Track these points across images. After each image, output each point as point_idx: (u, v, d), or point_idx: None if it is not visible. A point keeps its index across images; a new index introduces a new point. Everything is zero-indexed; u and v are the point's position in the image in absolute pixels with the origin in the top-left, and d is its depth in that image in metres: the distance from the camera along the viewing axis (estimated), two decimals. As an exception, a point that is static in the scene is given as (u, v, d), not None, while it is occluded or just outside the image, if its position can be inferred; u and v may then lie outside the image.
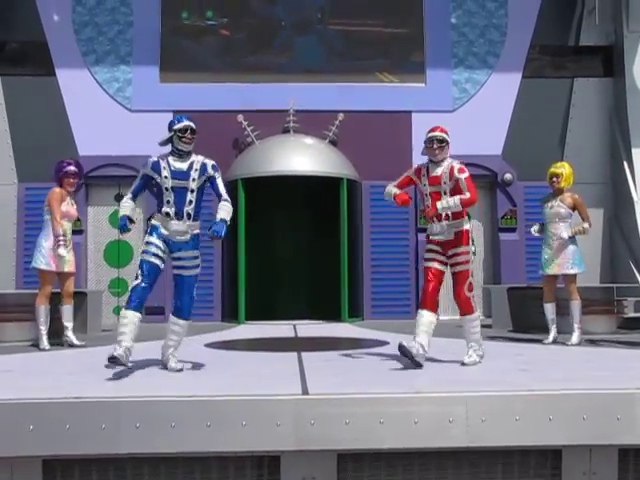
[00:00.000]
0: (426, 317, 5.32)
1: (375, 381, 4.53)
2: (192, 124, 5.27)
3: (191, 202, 5.11)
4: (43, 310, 6.95)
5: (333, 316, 10.88)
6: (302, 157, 11.15)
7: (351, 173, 11.31)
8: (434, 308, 5.35)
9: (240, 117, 11.44)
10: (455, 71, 12.02)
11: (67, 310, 7.13)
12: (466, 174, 5.37)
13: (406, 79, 11.98)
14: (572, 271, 7.08)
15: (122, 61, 11.74)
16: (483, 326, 9.56)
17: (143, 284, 5.10)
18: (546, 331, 7.25)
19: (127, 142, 11.23)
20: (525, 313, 8.83)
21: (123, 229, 5.18)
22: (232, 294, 11.04)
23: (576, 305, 7.06)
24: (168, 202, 5.12)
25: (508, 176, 11.70)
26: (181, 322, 5.25)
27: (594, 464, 3.85)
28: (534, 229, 7.42)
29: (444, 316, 11.62)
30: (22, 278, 10.83)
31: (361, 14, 12.15)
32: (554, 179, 7.25)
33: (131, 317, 5.01)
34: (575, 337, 6.96)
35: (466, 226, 5.37)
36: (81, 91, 11.51)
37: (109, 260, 11.70)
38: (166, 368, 5.15)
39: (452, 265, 5.37)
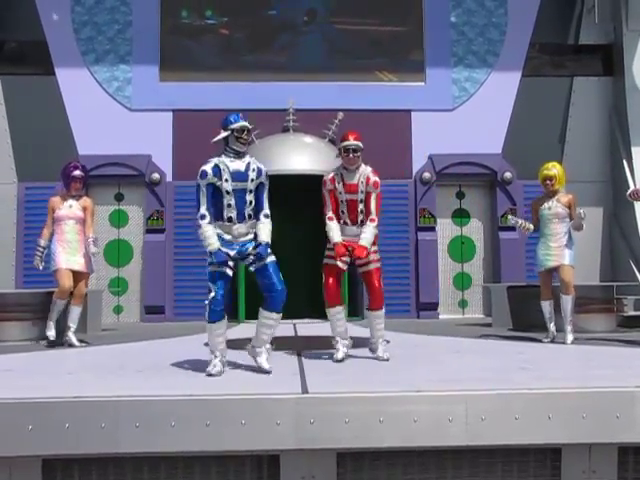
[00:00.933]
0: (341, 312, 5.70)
1: (374, 380, 4.53)
2: (247, 124, 5.10)
3: (251, 203, 5.04)
4: (58, 304, 7.13)
5: (333, 315, 10.86)
6: (301, 156, 11.14)
7: (351, 172, 11.29)
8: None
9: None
10: (455, 70, 12.01)
11: (74, 311, 7.19)
12: (379, 190, 5.63)
13: (406, 78, 11.97)
14: (566, 262, 7.04)
15: (121, 60, 11.73)
16: (484, 325, 9.60)
17: (219, 295, 4.98)
18: (546, 329, 7.24)
19: (127, 141, 11.23)
20: (525, 312, 8.82)
21: (223, 264, 4.95)
22: (232, 293, 11.03)
23: (570, 299, 7.00)
24: (229, 205, 4.96)
25: (508, 175, 11.69)
26: (274, 315, 5.08)
27: (594, 462, 3.85)
28: (511, 218, 7.53)
29: (444, 315, 11.67)
30: (22, 278, 10.83)
31: (360, 13, 12.14)
32: (547, 182, 7.22)
33: (223, 327, 5.07)
34: (570, 336, 6.93)
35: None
36: (81, 90, 11.51)
37: (109, 259, 11.70)
38: (256, 363, 5.07)
39: (365, 264, 5.68)
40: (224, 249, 4.91)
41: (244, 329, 9.43)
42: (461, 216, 12.17)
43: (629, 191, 6.93)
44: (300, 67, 11.80)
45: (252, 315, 10.70)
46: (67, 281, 7.06)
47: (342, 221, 5.68)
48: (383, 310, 5.68)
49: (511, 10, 12.06)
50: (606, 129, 12.02)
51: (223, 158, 5.02)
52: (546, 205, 7.22)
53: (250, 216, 5.05)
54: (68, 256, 7.10)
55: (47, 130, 11.27)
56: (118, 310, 11.62)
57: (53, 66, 11.53)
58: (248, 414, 3.70)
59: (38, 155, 11.10)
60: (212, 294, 4.96)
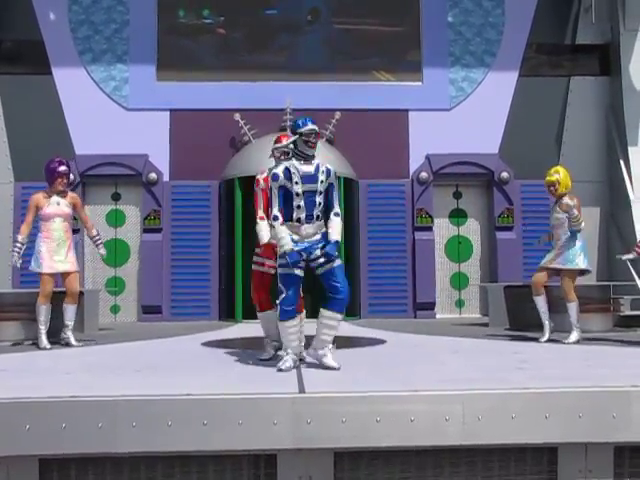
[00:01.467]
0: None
1: (372, 379, 4.54)
2: (316, 127, 5.16)
3: (320, 204, 5.08)
4: (43, 310, 6.94)
5: (330, 315, 10.87)
6: (299, 156, 11.13)
7: (348, 172, 11.31)
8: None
9: (237, 116, 11.44)
10: (452, 70, 12.02)
11: (70, 310, 7.11)
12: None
13: (403, 78, 11.98)
14: (566, 266, 7.05)
15: (119, 60, 11.73)
16: (480, 324, 9.62)
17: (290, 294, 5.12)
18: (542, 329, 7.25)
19: (124, 141, 11.23)
20: (522, 311, 8.83)
21: (296, 264, 5.01)
22: (229, 293, 11.04)
23: (573, 307, 7.03)
24: (299, 207, 5.01)
25: (505, 175, 11.71)
26: (339, 316, 5.12)
27: (590, 461, 3.86)
28: (538, 241, 7.66)
29: (441, 315, 11.68)
30: (19, 277, 10.80)
31: (358, 13, 12.15)
32: (551, 188, 7.23)
33: (296, 325, 5.18)
34: (574, 336, 6.95)
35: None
36: (78, 90, 11.50)
37: (106, 259, 11.65)
38: (322, 364, 5.04)
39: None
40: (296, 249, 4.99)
41: (241, 329, 9.45)
42: (458, 216, 12.18)
43: None
44: (297, 67, 11.81)
45: (249, 315, 10.76)
46: (50, 287, 6.97)
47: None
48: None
49: (508, 10, 12.08)
50: (603, 129, 12.04)
51: (293, 161, 5.08)
52: (552, 211, 7.32)
53: (318, 217, 5.10)
54: (54, 257, 6.91)
55: (44, 130, 11.26)
56: (115, 310, 11.62)
57: (50, 65, 11.52)
58: (245, 414, 3.70)
59: (35, 155, 11.06)
60: (283, 295, 5.07)
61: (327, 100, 11.50)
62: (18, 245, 7.06)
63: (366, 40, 12.07)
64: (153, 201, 11.46)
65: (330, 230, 5.11)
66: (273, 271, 5.45)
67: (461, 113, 11.85)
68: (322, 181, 5.05)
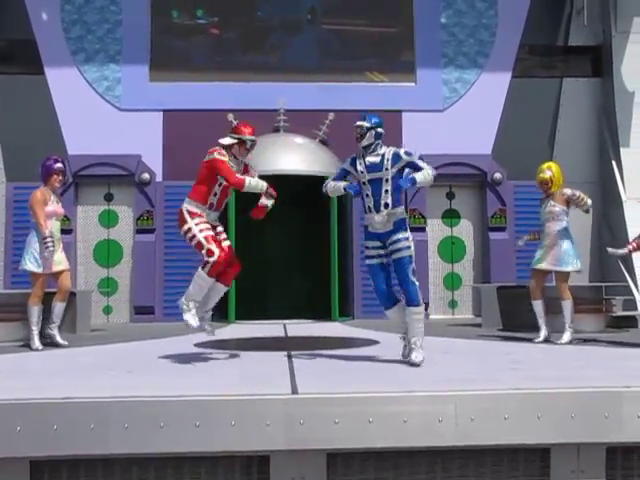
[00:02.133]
0: None
1: (364, 380, 4.54)
2: (360, 123, 5.62)
3: (387, 192, 5.35)
4: (35, 310, 6.91)
5: (323, 315, 10.88)
6: (292, 156, 11.14)
7: (341, 172, 11.29)
8: None
9: (230, 116, 11.40)
10: (445, 71, 12.04)
11: (58, 307, 7.09)
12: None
13: (396, 78, 11.99)
14: (561, 268, 7.08)
15: (111, 60, 11.68)
16: (473, 325, 9.63)
17: (380, 286, 5.42)
18: (536, 329, 7.27)
19: (116, 141, 11.19)
20: (515, 312, 8.86)
21: (357, 192, 5.48)
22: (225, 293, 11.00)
23: (567, 305, 7.06)
24: (367, 195, 5.41)
25: (498, 175, 11.73)
26: (417, 309, 5.30)
27: (582, 462, 3.87)
28: (521, 240, 7.59)
29: (434, 315, 11.69)
30: (10, 278, 10.76)
31: (351, 14, 12.14)
32: (544, 185, 7.25)
33: (394, 314, 5.41)
34: (566, 336, 6.98)
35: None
36: (70, 90, 11.45)
37: (98, 259, 11.65)
38: (408, 361, 5.25)
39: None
40: (369, 241, 5.44)
41: (234, 329, 9.44)
42: (451, 217, 12.20)
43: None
44: (291, 67, 11.80)
45: (242, 316, 10.75)
46: (43, 287, 6.97)
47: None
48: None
49: (501, 11, 12.10)
50: (595, 130, 12.08)
51: (363, 153, 5.53)
52: (543, 205, 7.32)
53: (387, 205, 5.34)
54: (54, 258, 6.89)
55: (36, 130, 11.20)
56: (108, 310, 11.58)
57: (42, 65, 11.46)
58: (238, 415, 3.69)
59: (27, 155, 11.01)
60: (373, 287, 5.47)
61: (320, 101, 11.49)
62: (49, 239, 6.75)
63: (359, 41, 12.07)
64: (146, 202, 11.42)
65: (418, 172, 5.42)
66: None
67: (454, 114, 11.86)
68: (387, 168, 5.37)
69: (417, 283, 5.31)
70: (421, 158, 5.92)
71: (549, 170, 7.30)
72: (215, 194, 5.71)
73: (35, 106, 11.34)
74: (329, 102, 11.52)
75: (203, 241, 5.49)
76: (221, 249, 5.55)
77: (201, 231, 5.54)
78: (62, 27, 11.61)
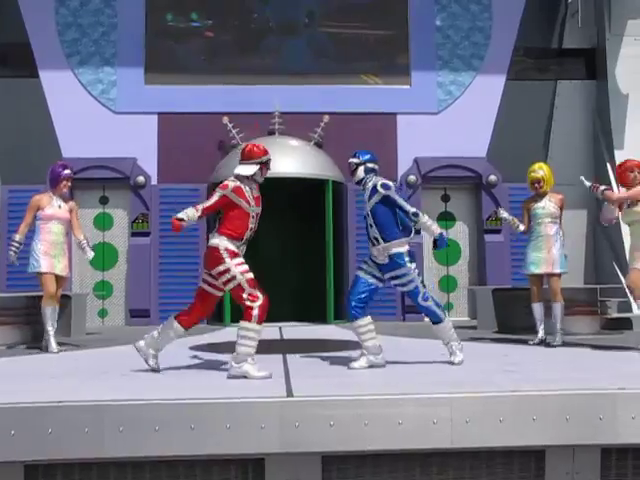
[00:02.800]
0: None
1: (359, 383, 4.54)
2: (351, 160, 5.73)
3: (371, 226, 5.49)
4: (49, 311, 6.91)
5: (319, 318, 10.87)
6: (287, 159, 11.12)
7: (336, 175, 11.31)
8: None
9: (225, 119, 11.42)
10: (440, 73, 12.06)
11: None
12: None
13: (391, 81, 12.00)
14: (559, 270, 7.11)
15: (106, 63, 11.68)
16: (468, 327, 9.63)
17: (352, 294, 5.48)
18: (531, 332, 7.28)
19: (112, 144, 11.18)
20: (510, 314, 8.87)
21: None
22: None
23: (560, 307, 7.08)
24: (370, 226, 5.53)
25: (493, 178, 11.75)
26: (443, 325, 5.51)
27: (577, 464, 3.88)
28: (502, 211, 7.46)
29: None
30: (5, 281, 10.74)
31: (346, 17, 12.17)
32: (536, 184, 7.25)
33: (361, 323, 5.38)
34: (559, 337, 7.00)
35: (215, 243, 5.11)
36: (65, 93, 11.44)
37: (94, 263, 11.60)
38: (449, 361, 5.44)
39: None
40: (368, 262, 5.64)
41: (229, 332, 9.42)
42: (446, 219, 12.21)
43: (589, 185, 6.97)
44: (285, 70, 11.80)
45: (237, 319, 10.70)
46: (52, 285, 6.94)
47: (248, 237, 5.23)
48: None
49: (495, 14, 12.14)
50: (589, 132, 12.11)
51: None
52: (539, 204, 7.21)
53: (377, 240, 5.49)
54: (52, 259, 6.95)
55: (31, 133, 11.20)
56: (103, 314, 11.55)
57: (37, 68, 11.46)
58: (233, 418, 3.69)
59: (22, 158, 11.02)
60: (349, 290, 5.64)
61: (315, 103, 11.51)
62: (15, 244, 6.98)
63: (354, 44, 12.09)
64: (141, 204, 11.41)
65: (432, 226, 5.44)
66: (220, 294, 5.27)
67: (449, 116, 11.89)
68: (366, 202, 5.50)
69: (430, 303, 5.49)
70: (401, 187, 5.91)
71: (541, 170, 7.31)
72: (250, 228, 5.20)
73: (30, 109, 11.32)
74: (324, 105, 11.53)
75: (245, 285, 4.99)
76: (261, 293, 5.05)
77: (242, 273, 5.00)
78: (57, 30, 11.61)
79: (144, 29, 11.79)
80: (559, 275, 7.13)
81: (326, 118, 11.48)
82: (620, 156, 11.44)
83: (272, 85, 11.52)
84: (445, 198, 12.24)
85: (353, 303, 5.35)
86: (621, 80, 11.62)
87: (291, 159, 11.13)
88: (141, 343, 5.23)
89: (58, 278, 7.05)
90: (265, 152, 5.27)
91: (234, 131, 11.40)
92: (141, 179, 11.36)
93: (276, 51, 12.05)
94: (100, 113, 11.53)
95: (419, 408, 3.80)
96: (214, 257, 5.02)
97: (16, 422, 3.60)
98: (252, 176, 5.19)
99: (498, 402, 3.86)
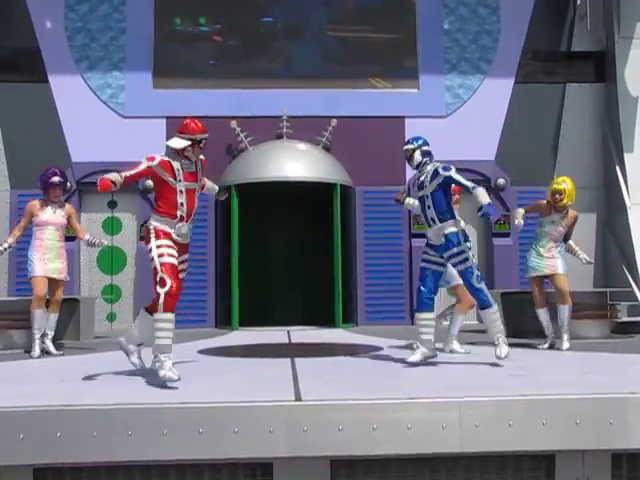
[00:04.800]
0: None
1: (368, 387, 4.52)
2: (407, 146, 6.09)
3: (429, 207, 5.71)
4: (37, 314, 6.92)
5: (327, 322, 10.87)
6: (295, 163, 11.14)
7: (344, 179, 11.31)
8: None
9: (233, 123, 11.44)
10: (448, 77, 12.04)
11: (52, 319, 7.13)
12: None
13: (399, 85, 12.00)
14: (562, 270, 7.08)
15: (115, 67, 11.72)
16: (477, 331, 9.59)
17: (422, 287, 5.67)
18: (539, 335, 7.25)
19: (120, 148, 11.17)
20: (519, 318, 8.82)
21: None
22: (226, 300, 11.01)
23: (567, 309, 7.05)
24: (423, 210, 5.84)
25: (501, 181, 11.72)
26: (491, 310, 5.62)
27: (587, 469, 3.85)
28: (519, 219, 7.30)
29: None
30: (14, 285, 10.78)
31: (354, 20, 12.18)
32: (557, 196, 7.20)
33: (421, 316, 5.65)
34: (566, 342, 6.96)
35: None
36: (74, 97, 11.49)
37: (102, 266, 11.66)
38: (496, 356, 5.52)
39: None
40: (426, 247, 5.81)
41: (238, 336, 9.43)
42: (455, 222, 12.18)
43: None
44: (294, 74, 11.81)
45: (246, 322, 10.74)
46: (42, 288, 6.95)
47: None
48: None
49: (504, 17, 12.11)
50: (599, 135, 12.06)
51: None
52: (551, 219, 7.23)
53: (433, 220, 5.70)
54: (46, 263, 6.98)
55: (40, 137, 11.24)
56: (111, 318, 11.58)
57: (46, 73, 11.50)
58: (241, 422, 3.68)
59: (31, 162, 11.03)
60: (419, 285, 5.75)
61: (323, 107, 11.52)
62: (5, 245, 7.05)
63: (362, 47, 12.08)
64: (149, 208, 11.42)
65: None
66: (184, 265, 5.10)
67: (457, 120, 11.86)
68: (426, 186, 5.72)
69: (483, 285, 5.63)
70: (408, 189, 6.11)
71: (564, 183, 7.29)
72: (181, 204, 4.96)
73: (39, 114, 11.37)
74: (332, 108, 11.54)
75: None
76: (173, 280, 4.71)
77: (159, 256, 4.78)
78: (66, 35, 11.66)
79: (153, 33, 11.83)
80: (564, 275, 7.10)
81: (334, 122, 11.49)
82: (629, 159, 11.41)
83: (280, 89, 11.54)
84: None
85: (424, 295, 5.60)
86: (630, 83, 11.57)
87: (299, 163, 11.15)
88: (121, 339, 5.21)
89: (54, 281, 7.07)
90: (202, 130, 5.02)
91: (242, 135, 11.42)
92: (149, 183, 11.35)
93: (284, 55, 12.06)
94: (109, 117, 11.57)
95: (428, 412, 3.78)
96: (146, 236, 4.98)
97: (25, 426, 3.61)
98: (182, 151, 4.99)
99: (507, 406, 3.84)
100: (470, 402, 3.84)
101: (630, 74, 11.59)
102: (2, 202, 11.28)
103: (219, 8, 12.09)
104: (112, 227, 11.76)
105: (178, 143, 4.99)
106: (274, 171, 10.90)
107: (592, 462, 3.84)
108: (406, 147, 5.98)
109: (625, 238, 11.06)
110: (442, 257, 5.68)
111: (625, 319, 9.15)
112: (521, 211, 7.32)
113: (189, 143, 4.98)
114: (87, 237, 7.38)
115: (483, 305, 5.60)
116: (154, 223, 4.94)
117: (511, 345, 7.52)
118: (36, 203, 7.17)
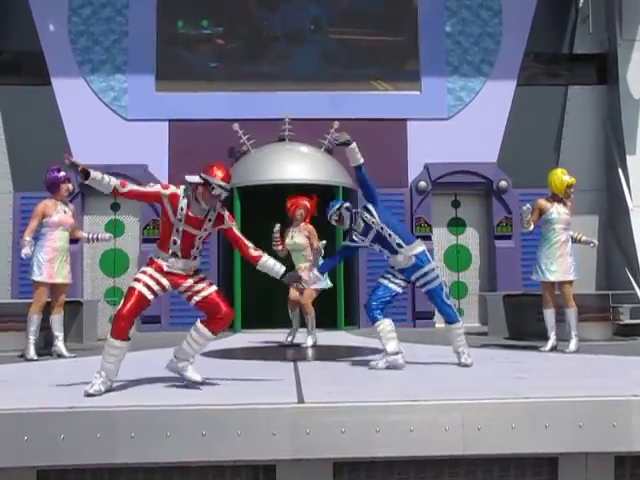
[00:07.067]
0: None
1: (371, 389, 4.53)
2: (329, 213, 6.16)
3: (390, 235, 5.66)
4: (35, 319, 6.88)
5: (329, 324, 10.86)
6: (298, 165, 11.16)
7: (346, 181, 11.32)
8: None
9: (236, 126, 11.46)
10: (450, 79, 12.06)
11: (57, 320, 7.09)
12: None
13: (401, 87, 12.02)
14: (572, 277, 7.06)
15: (118, 70, 11.76)
16: (479, 333, 9.59)
17: (373, 297, 5.68)
18: (542, 338, 7.24)
19: (123, 151, 11.23)
20: (521, 320, 8.83)
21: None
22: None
23: (574, 312, 7.04)
24: (380, 250, 5.83)
25: (503, 183, 11.73)
26: (457, 325, 5.74)
27: (590, 472, 3.84)
28: (527, 209, 7.06)
29: (440, 324, 11.65)
30: (18, 287, 10.80)
31: (356, 23, 12.20)
32: (572, 189, 7.15)
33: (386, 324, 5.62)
34: (573, 344, 6.95)
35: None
36: (77, 100, 11.52)
37: (105, 269, 11.68)
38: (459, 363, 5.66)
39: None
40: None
41: (240, 338, 9.43)
42: (457, 225, 12.19)
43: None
44: (296, 77, 11.85)
45: (248, 325, 10.74)
46: (45, 297, 6.93)
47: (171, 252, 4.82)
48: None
49: (506, 20, 12.13)
50: (601, 137, 12.07)
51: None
52: (554, 210, 7.08)
53: (400, 245, 5.65)
54: (55, 268, 6.89)
55: (43, 140, 11.26)
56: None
57: (49, 76, 11.56)
58: (244, 424, 3.69)
59: (34, 165, 11.05)
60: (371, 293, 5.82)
61: (325, 110, 11.54)
62: (28, 252, 6.76)
63: (364, 50, 12.12)
64: (152, 211, 11.45)
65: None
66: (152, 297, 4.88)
67: (459, 122, 11.88)
68: (373, 222, 5.68)
69: (451, 303, 5.74)
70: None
71: (568, 175, 7.20)
72: (174, 242, 4.77)
73: (42, 117, 11.42)
74: (334, 111, 11.55)
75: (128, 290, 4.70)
76: (129, 304, 4.72)
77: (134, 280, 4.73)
78: (69, 38, 11.71)
79: (155, 37, 11.87)
80: (571, 282, 7.10)
81: (336, 124, 11.50)
82: (632, 161, 11.42)
83: (282, 91, 11.57)
84: (455, 204, 12.21)
85: (373, 305, 5.57)
86: (633, 85, 11.59)
87: (301, 165, 11.16)
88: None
89: (60, 285, 7.04)
90: (221, 178, 4.68)
91: (244, 138, 11.44)
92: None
93: (286, 58, 12.09)
94: (112, 120, 11.60)
95: (430, 415, 3.78)
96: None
97: (29, 428, 3.61)
98: (194, 190, 4.72)
99: (510, 409, 3.83)
100: (473, 404, 3.84)
101: (632, 76, 11.61)
102: (5, 204, 11.32)
103: (221, 11, 12.13)
104: (115, 229, 11.77)
105: (192, 177, 4.75)
106: (276, 173, 10.92)
107: (595, 465, 3.83)
108: (331, 212, 5.93)
109: (627, 240, 11.06)
110: (408, 280, 5.69)
111: (628, 321, 9.15)
112: (531, 227, 7.14)
113: (200, 182, 4.67)
114: (85, 235, 7.37)
115: (451, 320, 5.71)
116: (153, 253, 4.94)
117: (513, 348, 7.55)
118: (49, 203, 7.03)
